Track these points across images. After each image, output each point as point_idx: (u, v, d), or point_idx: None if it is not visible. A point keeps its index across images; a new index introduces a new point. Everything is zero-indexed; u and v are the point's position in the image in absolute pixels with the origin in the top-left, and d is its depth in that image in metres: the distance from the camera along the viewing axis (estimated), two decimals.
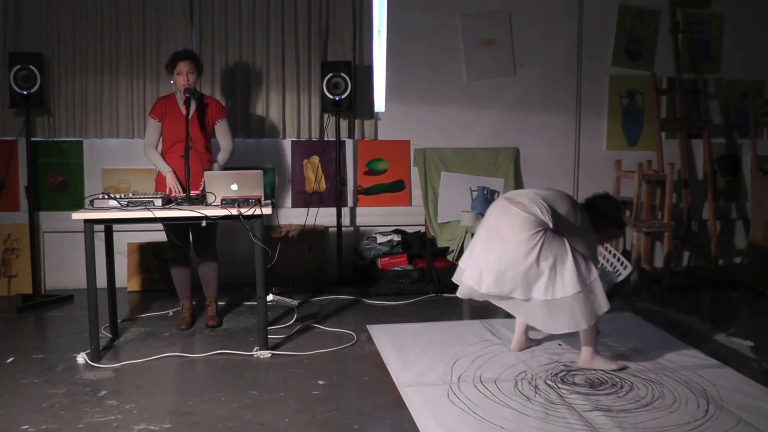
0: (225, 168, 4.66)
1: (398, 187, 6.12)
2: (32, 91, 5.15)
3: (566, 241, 3.63)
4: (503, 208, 3.75)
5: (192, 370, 3.92)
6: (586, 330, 3.73)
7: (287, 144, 5.91)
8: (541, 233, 3.59)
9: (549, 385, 3.62)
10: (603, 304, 3.64)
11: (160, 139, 4.67)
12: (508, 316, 5.00)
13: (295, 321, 4.74)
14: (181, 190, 4.45)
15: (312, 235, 5.73)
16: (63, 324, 4.78)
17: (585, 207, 3.89)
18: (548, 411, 3.32)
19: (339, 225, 5.70)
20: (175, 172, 4.55)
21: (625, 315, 4.91)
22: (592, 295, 3.62)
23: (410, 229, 6.00)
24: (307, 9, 5.72)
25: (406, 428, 3.17)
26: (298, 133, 5.83)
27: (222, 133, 4.74)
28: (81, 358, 4.01)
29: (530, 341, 4.19)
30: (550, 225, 3.63)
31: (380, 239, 5.77)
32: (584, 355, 3.84)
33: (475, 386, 3.62)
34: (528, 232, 3.59)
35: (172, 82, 4.58)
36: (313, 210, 5.81)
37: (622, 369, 3.80)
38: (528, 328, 4.13)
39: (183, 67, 4.47)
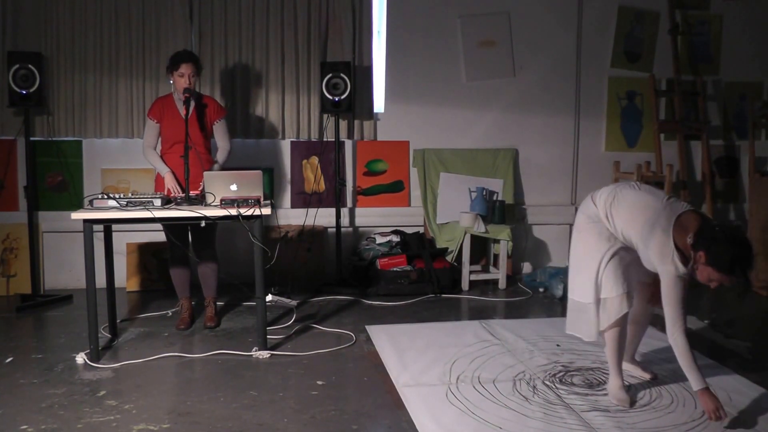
0: (224, 168, 4.66)
1: (397, 187, 6.13)
2: (31, 90, 5.15)
3: (607, 248, 3.38)
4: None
5: (191, 370, 3.93)
6: (607, 349, 3.51)
7: (286, 144, 5.92)
8: (590, 223, 3.45)
9: (547, 386, 3.63)
10: (597, 327, 3.43)
11: (159, 140, 4.67)
12: (507, 316, 5.05)
13: (294, 321, 4.74)
14: (179, 190, 4.46)
15: (311, 235, 5.74)
16: (62, 324, 4.77)
17: (698, 232, 3.13)
18: (546, 411, 3.32)
19: (338, 225, 5.71)
20: (173, 173, 4.55)
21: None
22: (599, 313, 3.41)
23: (409, 230, 6.01)
24: (306, 9, 5.73)
25: (405, 428, 3.18)
26: (297, 134, 5.83)
27: (220, 134, 4.75)
28: (80, 358, 4.01)
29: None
30: (600, 217, 3.41)
31: (379, 240, 5.77)
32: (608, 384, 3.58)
33: (474, 386, 3.62)
34: (579, 215, 3.54)
35: (171, 82, 4.58)
36: (312, 210, 5.82)
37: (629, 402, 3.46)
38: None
39: (185, 69, 4.47)
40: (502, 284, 5.77)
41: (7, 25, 5.38)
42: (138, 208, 3.99)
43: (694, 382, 3.16)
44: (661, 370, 3.85)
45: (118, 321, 4.63)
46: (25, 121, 5.26)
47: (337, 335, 4.50)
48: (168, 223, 4.27)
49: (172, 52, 4.76)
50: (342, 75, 5.50)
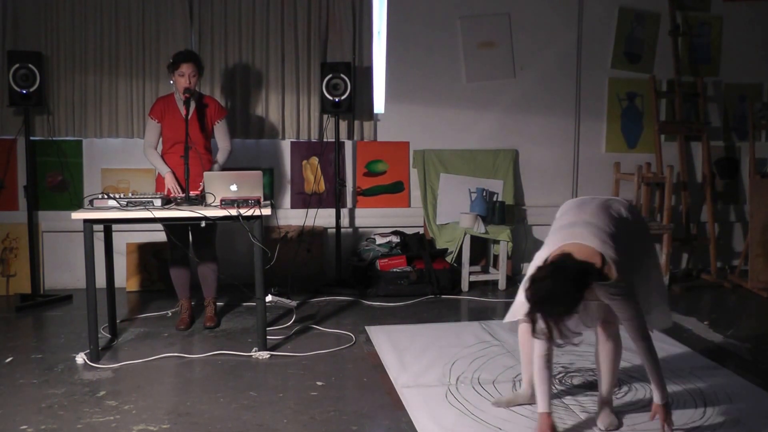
0: (224, 168, 4.67)
1: (397, 188, 6.13)
2: (31, 89, 5.15)
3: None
4: None
5: (191, 371, 3.93)
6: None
7: (286, 145, 5.91)
8: None
9: None
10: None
11: (160, 140, 4.67)
12: None
13: (293, 322, 4.74)
14: (180, 190, 4.46)
15: (311, 236, 5.74)
16: (62, 324, 4.77)
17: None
18: None
19: (338, 226, 5.71)
20: (174, 173, 4.55)
21: None
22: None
23: (409, 231, 6.00)
24: (306, 10, 5.73)
25: (404, 429, 3.18)
26: (297, 134, 5.83)
27: (221, 134, 4.75)
28: (80, 358, 4.01)
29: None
30: None
31: (379, 240, 5.77)
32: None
33: (473, 387, 3.63)
34: None
35: (172, 81, 4.58)
36: (312, 211, 5.82)
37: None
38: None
39: (186, 69, 4.47)
40: (501, 285, 5.77)
41: (7, 25, 5.38)
42: (138, 208, 4.00)
43: (539, 404, 2.98)
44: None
45: (117, 321, 4.63)
46: (25, 120, 5.26)
47: (336, 336, 4.50)
48: (169, 224, 4.27)
49: (172, 52, 4.77)
50: (342, 75, 5.50)
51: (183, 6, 5.54)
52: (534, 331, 2.74)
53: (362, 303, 5.32)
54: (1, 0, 5.35)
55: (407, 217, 6.12)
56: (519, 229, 6.17)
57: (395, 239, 5.77)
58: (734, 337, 4.52)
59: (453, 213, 5.97)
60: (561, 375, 3.80)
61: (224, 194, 4.09)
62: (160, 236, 4.94)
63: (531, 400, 3.36)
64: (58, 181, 5.62)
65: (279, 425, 3.21)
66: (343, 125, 5.86)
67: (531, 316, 2.71)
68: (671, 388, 3.62)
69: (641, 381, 3.71)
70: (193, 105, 4.57)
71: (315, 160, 5.91)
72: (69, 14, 5.44)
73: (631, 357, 4.03)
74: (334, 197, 5.76)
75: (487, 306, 5.37)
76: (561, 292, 2.63)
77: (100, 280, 4.15)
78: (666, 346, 4.28)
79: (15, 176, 5.54)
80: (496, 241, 5.82)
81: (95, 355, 4.00)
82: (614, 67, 6.35)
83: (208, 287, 4.75)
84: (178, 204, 4.15)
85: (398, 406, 3.41)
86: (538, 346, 2.92)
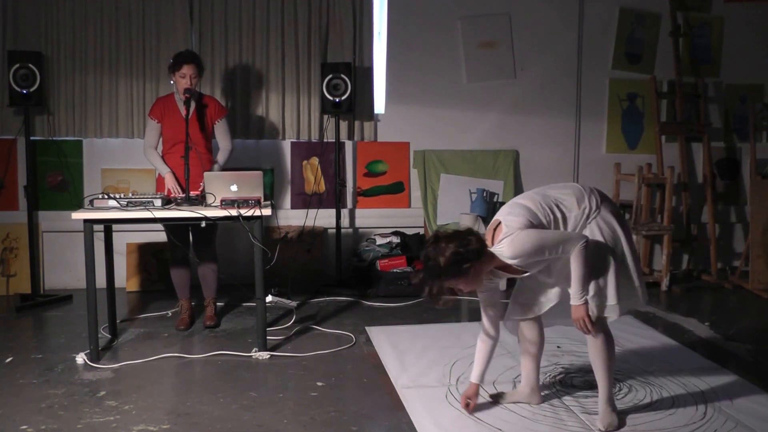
0: (224, 168, 4.66)
1: (397, 188, 6.12)
2: (32, 89, 5.15)
3: None
4: None
5: (191, 371, 3.92)
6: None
7: (287, 145, 5.91)
8: None
9: (547, 387, 3.62)
10: None
11: (160, 140, 4.67)
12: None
13: (293, 322, 4.73)
14: (180, 190, 4.45)
15: (311, 236, 5.73)
16: (62, 324, 4.77)
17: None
18: (547, 413, 3.32)
19: (338, 226, 5.70)
20: (174, 173, 4.55)
21: (624, 318, 4.90)
22: None
23: (409, 231, 6.00)
24: (307, 10, 5.73)
25: (404, 430, 3.17)
26: (297, 135, 5.83)
27: (221, 134, 4.74)
28: (80, 358, 4.01)
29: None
30: None
31: (379, 241, 5.77)
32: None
33: None
34: None
35: (172, 82, 4.58)
36: (312, 211, 5.81)
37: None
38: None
39: (187, 70, 4.46)
40: (502, 285, 5.70)
41: (7, 25, 5.38)
42: (138, 208, 3.99)
43: (472, 375, 3.30)
44: (662, 372, 3.84)
45: (117, 321, 4.63)
46: (26, 120, 5.26)
47: (336, 336, 4.50)
48: (169, 224, 4.27)
49: (173, 52, 4.77)
50: (342, 76, 5.50)
51: (183, 6, 5.54)
52: (419, 288, 2.98)
53: (362, 303, 5.32)
54: (2, 0, 5.35)
55: (407, 218, 6.12)
56: None
57: (395, 240, 5.77)
58: (735, 338, 4.52)
59: (453, 213, 5.97)
60: (561, 375, 3.80)
61: (224, 194, 4.09)
62: (160, 236, 4.94)
63: (530, 399, 3.41)
64: (58, 181, 5.61)
65: (279, 425, 3.21)
66: (344, 125, 5.86)
67: (417, 280, 2.97)
68: (672, 388, 3.62)
69: (641, 381, 3.71)
70: (193, 105, 4.56)
71: (315, 160, 5.90)
72: (69, 14, 5.44)
73: (632, 358, 4.04)
74: (334, 197, 5.76)
75: None
76: (431, 258, 2.87)
77: (100, 280, 4.14)
78: (667, 347, 4.28)
79: (15, 176, 5.54)
80: None
81: (95, 355, 3.99)
82: (615, 68, 6.35)
83: (208, 287, 4.75)
84: (178, 204, 4.15)
85: (398, 407, 3.41)
86: (481, 340, 3.27)
